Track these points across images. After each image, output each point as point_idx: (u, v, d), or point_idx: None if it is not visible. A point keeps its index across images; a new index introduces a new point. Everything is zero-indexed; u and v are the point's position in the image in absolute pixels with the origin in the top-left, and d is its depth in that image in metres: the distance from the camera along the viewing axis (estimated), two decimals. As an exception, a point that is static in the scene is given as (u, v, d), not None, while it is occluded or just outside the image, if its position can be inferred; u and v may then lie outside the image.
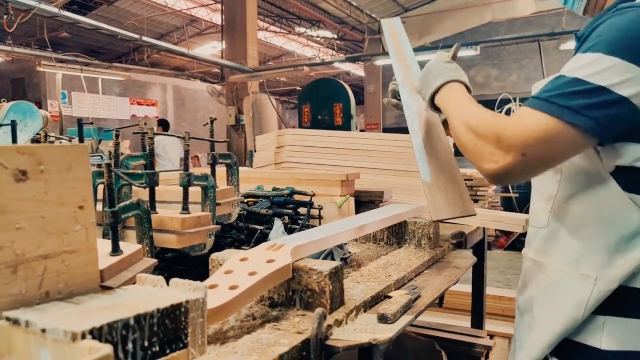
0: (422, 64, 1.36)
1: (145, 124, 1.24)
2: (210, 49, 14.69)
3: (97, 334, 0.54)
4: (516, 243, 7.38)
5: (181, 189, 1.18)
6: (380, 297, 1.11)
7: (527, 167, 0.92)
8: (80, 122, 1.51)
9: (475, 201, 4.33)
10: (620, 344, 0.96)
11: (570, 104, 0.87)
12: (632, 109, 0.86)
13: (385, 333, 0.89)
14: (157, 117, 11.52)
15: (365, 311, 1.03)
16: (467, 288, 2.86)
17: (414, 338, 2.17)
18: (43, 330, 0.54)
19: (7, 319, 0.58)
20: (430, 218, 1.30)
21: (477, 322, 2.57)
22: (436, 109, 1.23)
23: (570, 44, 7.85)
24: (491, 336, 2.52)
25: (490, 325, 2.93)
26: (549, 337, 1.03)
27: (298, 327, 0.88)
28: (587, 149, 0.94)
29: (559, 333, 1.01)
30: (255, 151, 2.75)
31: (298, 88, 15.92)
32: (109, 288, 0.74)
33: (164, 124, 8.29)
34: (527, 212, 1.78)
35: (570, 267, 1.01)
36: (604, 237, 0.97)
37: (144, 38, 7.66)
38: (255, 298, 0.94)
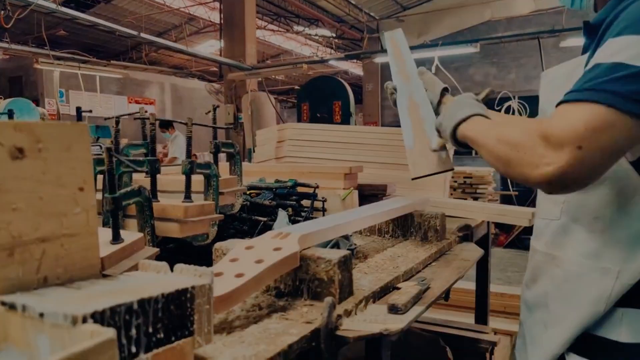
0: (421, 63, 1.46)
1: (146, 111, 1.21)
2: (209, 47, 14.63)
3: (99, 318, 0.50)
4: (516, 241, 7.35)
5: (183, 178, 1.15)
6: (389, 288, 1.08)
7: (586, 164, 0.79)
8: (79, 110, 1.48)
9: (475, 199, 4.32)
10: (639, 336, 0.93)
11: (619, 90, 0.78)
12: None
13: (397, 323, 0.86)
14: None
15: (374, 302, 1.00)
16: (470, 285, 2.83)
17: (418, 334, 2.14)
18: (41, 315, 0.51)
19: (3, 303, 0.55)
20: (410, 177, 1.34)
21: (481, 319, 2.54)
22: (457, 142, 1.10)
23: (570, 42, 7.79)
24: (494, 333, 2.49)
25: (492, 322, 2.90)
26: (569, 332, 0.99)
27: (306, 317, 0.85)
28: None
29: (579, 328, 0.97)
30: (255, 146, 2.72)
31: (296, 87, 15.87)
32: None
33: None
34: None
35: (590, 261, 0.97)
36: (624, 228, 0.94)
37: (142, 35, 7.61)
38: (262, 287, 0.90)
